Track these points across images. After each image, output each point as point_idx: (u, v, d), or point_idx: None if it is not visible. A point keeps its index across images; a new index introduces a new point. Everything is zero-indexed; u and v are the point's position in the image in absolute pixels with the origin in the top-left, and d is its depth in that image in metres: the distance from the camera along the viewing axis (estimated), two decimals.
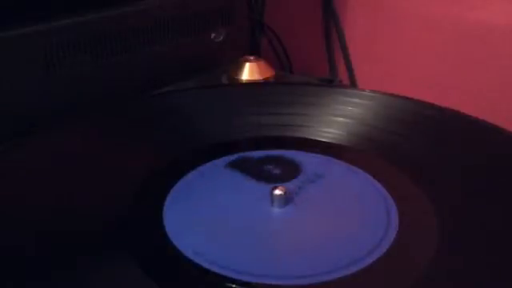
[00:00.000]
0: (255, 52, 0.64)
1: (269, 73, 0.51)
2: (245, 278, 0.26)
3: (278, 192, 0.31)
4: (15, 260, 0.26)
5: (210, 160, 0.36)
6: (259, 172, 0.35)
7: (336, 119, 0.40)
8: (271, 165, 0.36)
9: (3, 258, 0.26)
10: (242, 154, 0.37)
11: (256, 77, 0.50)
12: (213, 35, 0.54)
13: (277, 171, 0.35)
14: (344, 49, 0.67)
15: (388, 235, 0.29)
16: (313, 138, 0.39)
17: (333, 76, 0.68)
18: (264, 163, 0.36)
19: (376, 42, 0.69)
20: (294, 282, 0.26)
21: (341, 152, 0.37)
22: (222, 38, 0.55)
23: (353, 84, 0.67)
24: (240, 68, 0.51)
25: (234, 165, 0.36)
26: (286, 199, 0.32)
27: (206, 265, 0.27)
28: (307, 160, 0.36)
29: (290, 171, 0.35)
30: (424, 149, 0.37)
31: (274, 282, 0.26)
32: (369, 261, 0.27)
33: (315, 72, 0.70)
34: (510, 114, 0.48)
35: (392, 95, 0.42)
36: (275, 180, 0.34)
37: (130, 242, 0.28)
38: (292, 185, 0.33)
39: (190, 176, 0.34)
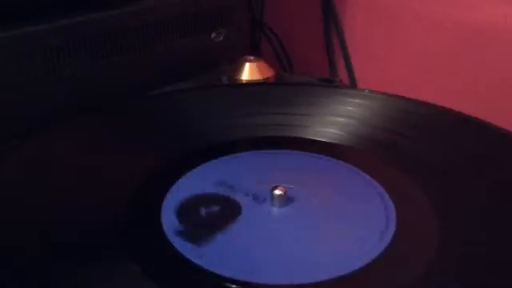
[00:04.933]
0: (255, 52, 0.64)
1: (269, 73, 0.51)
2: (245, 278, 0.26)
3: (277, 192, 0.31)
4: (15, 260, 0.26)
5: (210, 160, 0.36)
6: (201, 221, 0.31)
7: (336, 119, 0.40)
8: (210, 206, 0.32)
9: (3, 258, 0.26)
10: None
11: (256, 77, 0.50)
12: (213, 35, 0.54)
13: (215, 208, 0.32)
14: (344, 49, 0.67)
15: (387, 235, 0.29)
16: (313, 138, 0.39)
17: (333, 76, 0.68)
18: (198, 208, 0.32)
19: (376, 42, 0.69)
20: (293, 281, 0.26)
21: (341, 152, 0.37)
22: (222, 37, 0.55)
23: (353, 84, 0.67)
24: (240, 68, 0.51)
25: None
26: (286, 199, 0.32)
27: (205, 265, 0.27)
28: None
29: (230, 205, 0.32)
30: (424, 149, 0.37)
31: (273, 282, 0.26)
32: (368, 260, 0.27)
33: (315, 72, 0.70)
34: (510, 114, 0.48)
35: (392, 95, 0.42)
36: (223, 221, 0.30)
37: (130, 243, 0.28)
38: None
39: None
